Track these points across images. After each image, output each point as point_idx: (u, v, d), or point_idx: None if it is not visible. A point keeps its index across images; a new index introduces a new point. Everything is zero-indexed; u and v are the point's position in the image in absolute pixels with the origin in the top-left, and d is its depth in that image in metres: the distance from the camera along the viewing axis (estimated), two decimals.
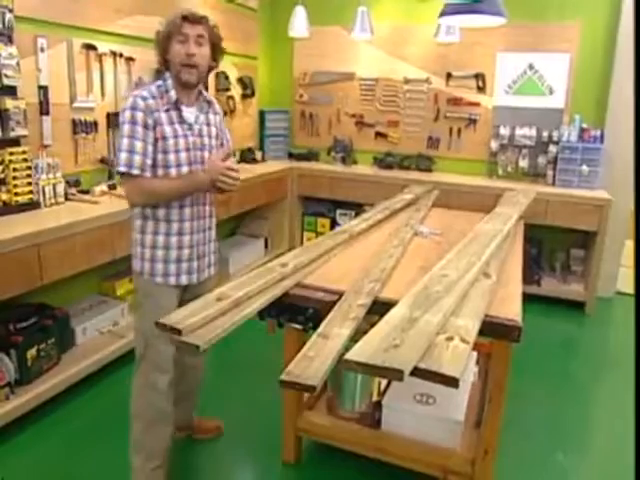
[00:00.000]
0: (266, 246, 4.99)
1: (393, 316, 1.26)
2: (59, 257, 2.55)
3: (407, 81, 4.77)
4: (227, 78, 4.54)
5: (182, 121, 1.91)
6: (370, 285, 1.64)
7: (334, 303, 1.56)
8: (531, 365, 3.19)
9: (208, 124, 2.02)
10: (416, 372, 1.05)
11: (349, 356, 1.08)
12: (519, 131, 4.38)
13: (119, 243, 2.90)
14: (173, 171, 1.89)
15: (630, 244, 4.36)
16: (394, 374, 1.02)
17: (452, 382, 1.03)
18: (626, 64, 4.03)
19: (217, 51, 1.94)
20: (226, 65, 4.56)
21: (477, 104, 4.58)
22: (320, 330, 1.33)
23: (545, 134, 4.31)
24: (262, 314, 1.68)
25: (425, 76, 4.71)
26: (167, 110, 1.87)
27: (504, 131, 4.42)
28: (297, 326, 1.64)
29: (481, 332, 1.36)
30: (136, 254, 2.01)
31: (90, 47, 3.21)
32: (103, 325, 3.18)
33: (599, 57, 4.21)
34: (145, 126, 1.81)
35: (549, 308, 4.11)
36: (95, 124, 3.31)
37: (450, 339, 1.19)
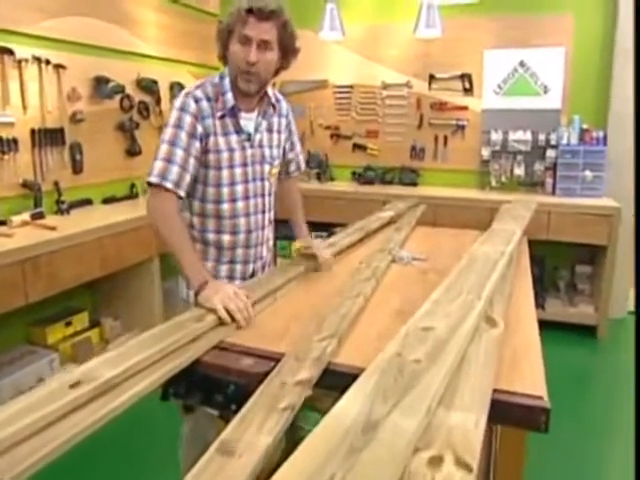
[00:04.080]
0: None
1: (337, 420, 0.73)
2: None
3: (385, 86, 4.31)
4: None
5: (239, 130, 1.62)
6: (321, 345, 1.11)
7: (266, 375, 1.04)
8: None
9: (270, 130, 1.72)
10: None
11: None
12: (512, 136, 3.90)
13: (33, 284, 2.37)
14: (225, 190, 1.62)
15: None
16: None
17: None
18: (627, 57, 3.58)
19: (288, 52, 1.61)
20: (182, 75, 4.08)
21: (464, 108, 4.11)
22: (223, 437, 0.80)
23: (542, 137, 3.83)
24: (166, 393, 1.16)
25: (405, 79, 4.24)
26: (222, 117, 1.58)
27: (496, 136, 3.94)
28: (213, 411, 1.11)
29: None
30: (183, 280, 1.70)
31: (5, 51, 2.72)
32: (24, 382, 2.62)
33: (597, 50, 3.76)
34: (192, 134, 1.52)
35: (556, 335, 3.58)
36: (15, 142, 2.79)
37: (437, 461, 0.68)
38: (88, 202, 3.27)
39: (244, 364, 1.09)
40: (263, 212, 1.73)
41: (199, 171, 1.57)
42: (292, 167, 1.94)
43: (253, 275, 1.76)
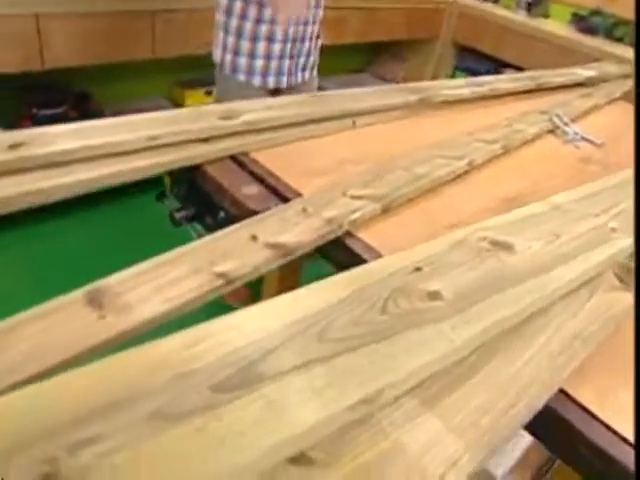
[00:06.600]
0: None
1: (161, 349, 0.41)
2: (65, 37, 1.96)
3: None
4: None
5: None
6: (351, 204, 0.77)
7: (256, 213, 0.75)
8: None
9: None
10: None
11: None
12: None
13: (161, 38, 2.22)
14: None
15: None
16: None
17: None
18: None
19: None
20: None
21: None
22: (99, 283, 0.54)
23: None
24: (165, 191, 0.94)
25: None
26: None
27: None
28: (193, 232, 0.88)
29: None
30: (217, 41, 1.67)
31: None
32: None
33: None
34: None
35: None
36: None
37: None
38: None
39: (243, 192, 0.81)
40: None
41: None
42: None
43: (294, 42, 1.63)
